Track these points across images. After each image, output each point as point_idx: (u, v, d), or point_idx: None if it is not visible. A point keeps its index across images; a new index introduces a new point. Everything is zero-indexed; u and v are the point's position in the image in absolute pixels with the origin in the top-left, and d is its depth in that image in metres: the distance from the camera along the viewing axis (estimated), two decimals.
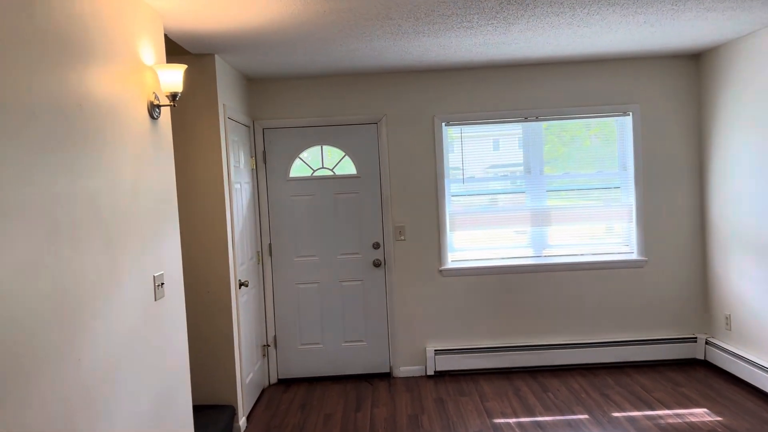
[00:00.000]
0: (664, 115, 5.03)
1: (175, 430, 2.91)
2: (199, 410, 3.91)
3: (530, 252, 5.15)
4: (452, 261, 5.13)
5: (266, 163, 5.03)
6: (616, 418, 4.02)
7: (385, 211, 5.04)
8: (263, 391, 4.91)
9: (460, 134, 5.07)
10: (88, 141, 2.21)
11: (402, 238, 5.06)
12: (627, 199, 5.10)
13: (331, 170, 5.07)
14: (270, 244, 5.06)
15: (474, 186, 5.10)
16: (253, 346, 4.67)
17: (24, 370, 1.75)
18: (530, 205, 5.10)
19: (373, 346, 5.12)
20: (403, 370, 5.10)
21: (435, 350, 5.03)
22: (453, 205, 5.11)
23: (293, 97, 5.01)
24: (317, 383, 5.05)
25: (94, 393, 2.15)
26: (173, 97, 2.82)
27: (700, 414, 4.01)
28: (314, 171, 5.07)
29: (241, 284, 4.28)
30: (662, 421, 3.92)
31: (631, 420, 3.97)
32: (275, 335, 5.10)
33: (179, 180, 4.00)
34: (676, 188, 5.05)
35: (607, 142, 5.09)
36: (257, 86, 5.00)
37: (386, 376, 5.12)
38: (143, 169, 2.68)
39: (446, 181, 5.07)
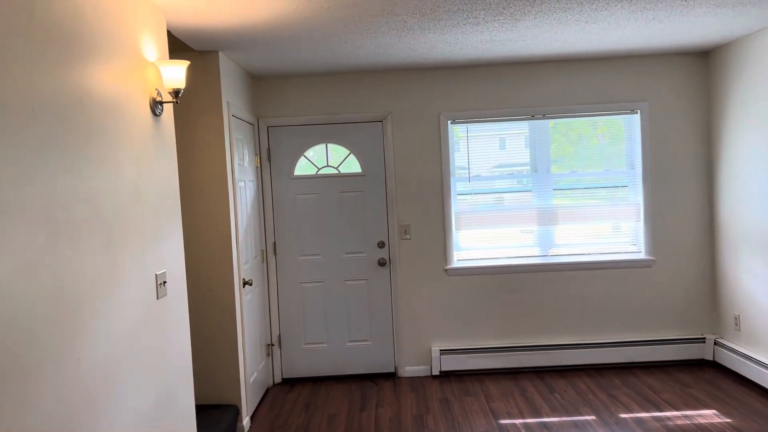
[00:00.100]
0: (672, 113, 4.97)
1: (178, 430, 2.88)
2: (202, 410, 3.88)
3: (537, 251, 5.11)
4: (458, 260, 5.09)
5: (271, 161, 5.00)
6: (624, 419, 3.97)
7: (390, 209, 5.01)
8: (267, 391, 4.89)
9: (466, 133, 5.03)
10: (89, 138, 2.18)
11: (407, 236, 5.02)
12: (635, 197, 5.05)
13: (336, 168, 5.04)
14: (274, 243, 5.03)
15: (480, 184, 5.06)
16: (257, 346, 4.65)
17: (24, 370, 1.72)
18: (537, 203, 5.06)
19: (378, 345, 5.09)
20: (408, 370, 5.07)
21: (440, 350, 4.99)
22: (459, 204, 5.07)
23: (298, 94, 4.97)
24: (321, 383, 5.01)
25: (95, 393, 2.12)
26: (176, 93, 2.79)
27: (708, 415, 3.96)
28: (319, 169, 5.04)
29: (245, 283, 4.25)
30: (670, 423, 3.87)
31: (639, 421, 3.92)
32: (279, 334, 5.07)
33: (183, 178, 3.97)
34: (685, 187, 5.00)
35: (614, 140, 5.04)
36: (262, 84, 4.97)
37: (391, 376, 5.08)
38: (145, 166, 2.65)
39: (452, 179, 5.02)
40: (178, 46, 3.83)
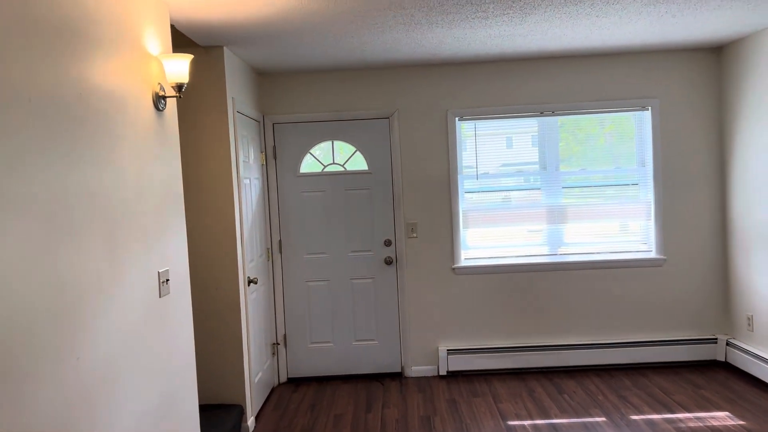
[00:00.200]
0: (684, 110, 4.89)
1: (180, 430, 2.83)
2: (206, 410, 3.83)
3: (546, 250, 5.03)
4: (465, 259, 5.02)
5: (276, 158, 4.95)
6: (635, 421, 3.90)
7: (396, 207, 4.95)
8: (272, 391, 4.84)
9: (474, 131, 4.96)
10: (89, 133, 2.13)
11: (414, 235, 4.96)
12: (645, 196, 4.97)
13: (342, 166, 4.99)
14: (280, 241, 4.98)
15: (488, 182, 4.99)
16: (263, 345, 4.60)
17: (21, 370, 1.68)
18: (546, 202, 4.99)
19: (385, 345, 5.03)
20: (415, 369, 5.01)
21: (447, 350, 4.93)
22: (466, 202, 5.00)
23: (304, 91, 4.92)
24: (327, 383, 4.96)
25: (94, 393, 2.07)
26: (179, 88, 2.74)
27: (721, 417, 3.88)
28: (325, 167, 4.99)
29: (250, 281, 4.20)
30: (683, 425, 3.80)
31: (651, 423, 3.85)
32: (285, 333, 5.02)
33: (187, 175, 3.92)
34: (697, 185, 4.91)
35: (624, 138, 4.96)
36: (267, 80, 4.92)
37: (397, 376, 5.02)
38: (148, 162, 2.60)
39: (459, 177, 4.96)
40: (182, 41, 3.79)
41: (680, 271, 4.95)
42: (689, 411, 4.01)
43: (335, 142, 4.98)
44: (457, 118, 4.93)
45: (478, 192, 5.00)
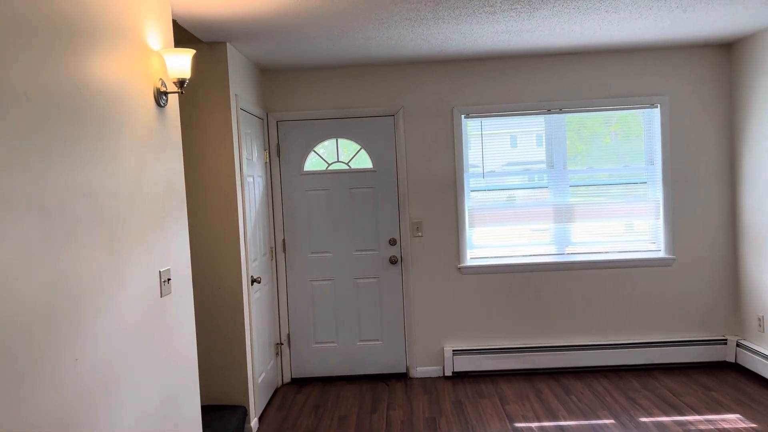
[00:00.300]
0: (694, 108, 4.82)
1: (182, 431, 2.78)
2: (209, 411, 3.78)
3: (553, 249, 4.97)
4: (471, 258, 4.96)
5: (280, 156, 4.90)
6: (644, 423, 3.83)
7: (402, 206, 4.89)
8: (276, 391, 4.79)
9: (480, 129, 4.89)
10: (88, 129, 2.08)
11: (419, 234, 4.90)
12: (654, 194, 4.90)
13: (347, 164, 4.93)
14: (283, 240, 4.93)
15: (494, 180, 4.93)
16: (266, 345, 4.54)
17: (19, 371, 1.64)
18: (553, 200, 4.92)
19: (389, 345, 4.97)
20: (420, 370, 4.95)
21: (453, 350, 4.87)
22: (472, 201, 4.94)
23: (308, 88, 4.86)
24: (331, 383, 4.91)
25: (94, 394, 2.02)
26: (181, 83, 2.69)
27: (732, 420, 3.81)
28: (329, 165, 4.93)
29: (253, 281, 4.15)
30: (693, 428, 3.73)
31: (660, 426, 3.78)
32: (289, 333, 4.97)
33: (190, 173, 3.87)
34: (706, 183, 4.84)
35: (632, 136, 4.89)
36: (271, 77, 4.86)
37: (403, 377, 4.96)
38: (149, 159, 2.55)
39: (465, 175, 4.90)
40: (184, 36, 3.73)
41: (689, 271, 4.87)
42: (699, 413, 3.94)
43: (339, 140, 4.92)
44: (463, 116, 4.87)
45: (484, 190, 4.93)
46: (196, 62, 3.83)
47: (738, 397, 4.19)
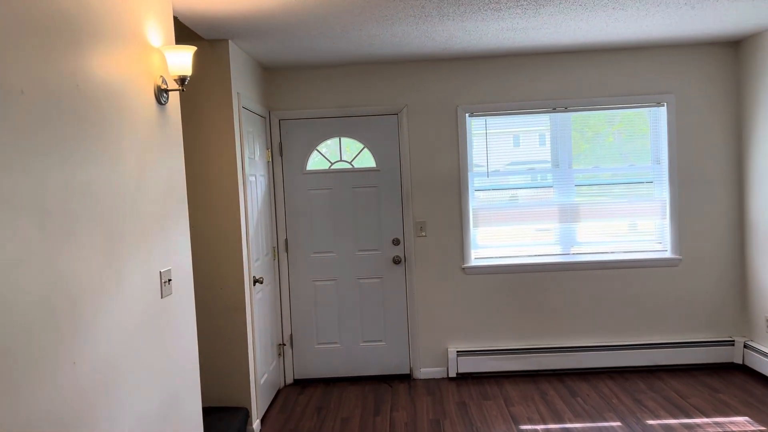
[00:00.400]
0: (701, 106, 4.76)
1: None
2: (210, 412, 3.74)
3: (558, 249, 4.92)
4: (476, 258, 4.91)
5: (282, 155, 4.86)
6: (651, 426, 3.78)
7: (405, 205, 4.84)
8: (278, 392, 4.74)
9: (484, 128, 4.84)
10: (87, 126, 2.03)
11: (423, 234, 4.86)
12: (660, 194, 4.84)
13: (350, 163, 4.88)
14: (286, 240, 4.89)
15: (499, 180, 4.88)
16: (268, 345, 4.50)
17: (20, 370, 1.61)
18: (558, 200, 4.87)
19: (393, 346, 4.93)
20: (424, 371, 4.90)
21: (457, 351, 4.82)
22: (477, 200, 4.89)
23: (311, 87, 4.82)
24: (334, 384, 4.86)
25: (93, 395, 1.98)
26: (182, 81, 2.64)
27: (741, 423, 3.76)
28: (332, 164, 4.89)
29: (255, 281, 4.11)
30: (701, 430, 3.68)
31: (667, 428, 3.73)
32: (291, 334, 4.93)
33: (191, 172, 3.83)
34: (713, 183, 4.78)
35: (637, 135, 4.84)
36: (273, 75, 4.82)
37: (406, 378, 4.92)
38: (149, 157, 2.51)
39: (470, 174, 4.85)
40: (186, 34, 3.69)
41: (696, 272, 4.82)
42: (707, 416, 3.89)
43: (342, 139, 4.88)
44: (467, 114, 4.82)
45: (489, 190, 4.89)
46: (198, 60, 3.79)
47: (746, 399, 4.14)
